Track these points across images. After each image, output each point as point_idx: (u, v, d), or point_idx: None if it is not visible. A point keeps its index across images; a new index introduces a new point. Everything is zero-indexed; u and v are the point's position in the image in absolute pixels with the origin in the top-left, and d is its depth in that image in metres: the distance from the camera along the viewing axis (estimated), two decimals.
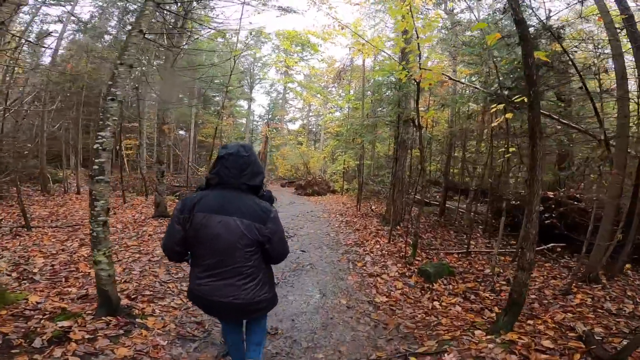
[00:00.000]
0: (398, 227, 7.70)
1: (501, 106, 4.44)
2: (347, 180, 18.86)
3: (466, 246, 6.70)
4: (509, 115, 4.29)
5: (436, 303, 4.03)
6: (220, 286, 1.67)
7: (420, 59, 4.75)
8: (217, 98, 25.99)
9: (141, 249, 5.21)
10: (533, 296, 4.13)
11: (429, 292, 4.36)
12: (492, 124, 4.71)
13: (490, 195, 7.85)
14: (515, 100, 4.28)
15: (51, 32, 10.79)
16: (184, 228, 1.66)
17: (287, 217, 9.06)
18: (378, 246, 6.09)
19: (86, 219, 7.32)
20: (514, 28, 3.32)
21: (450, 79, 6.81)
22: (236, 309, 1.73)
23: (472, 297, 4.29)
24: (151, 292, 3.69)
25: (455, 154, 9.87)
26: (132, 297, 3.48)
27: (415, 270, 4.92)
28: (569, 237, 5.76)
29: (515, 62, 6.26)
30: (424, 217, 9.32)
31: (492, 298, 4.24)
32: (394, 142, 11.72)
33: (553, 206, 6.83)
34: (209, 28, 9.58)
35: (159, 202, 6.97)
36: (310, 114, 33.08)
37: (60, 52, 12.32)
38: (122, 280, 3.92)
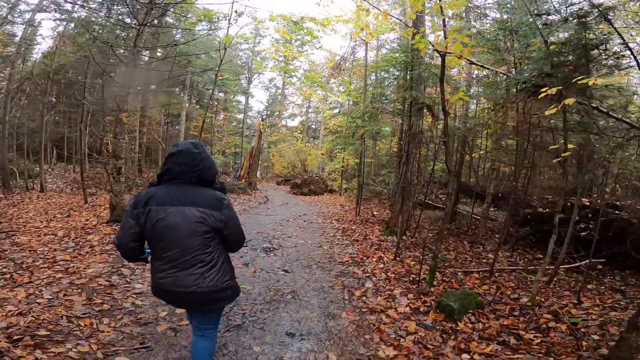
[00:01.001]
0: (404, 236, 6.48)
1: (553, 90, 3.21)
2: (346, 179, 17.64)
3: (489, 262, 5.53)
4: (569, 101, 3.06)
5: (466, 356, 2.82)
6: (183, 276, 1.70)
7: (445, 25, 3.53)
8: (219, 94, 24.80)
9: (70, 266, 3.98)
10: (596, 336, 3.01)
11: (453, 337, 3.14)
12: (546, 113, 3.45)
13: (512, 200, 6.65)
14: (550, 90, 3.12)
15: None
16: (138, 223, 1.69)
17: (275, 222, 7.83)
18: (381, 265, 4.85)
19: (31, 222, 6.08)
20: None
21: (472, 63, 5.57)
22: (201, 297, 1.74)
23: (513, 340, 3.08)
24: (47, 332, 2.55)
25: (467, 152, 8.63)
26: (15, 338, 2.39)
27: (433, 302, 3.69)
28: (609, 252, 4.66)
29: (554, 46, 5.04)
30: (430, 224, 8.10)
31: (539, 341, 3.05)
32: (399, 137, 10.51)
33: (590, 215, 5.68)
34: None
35: (114, 205, 5.74)
36: (310, 110, 31.94)
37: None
38: (15, 312, 2.75)
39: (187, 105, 20.29)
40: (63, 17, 12.17)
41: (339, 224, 7.76)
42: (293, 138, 23.52)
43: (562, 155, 3.34)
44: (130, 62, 5.85)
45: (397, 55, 5.10)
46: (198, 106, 23.68)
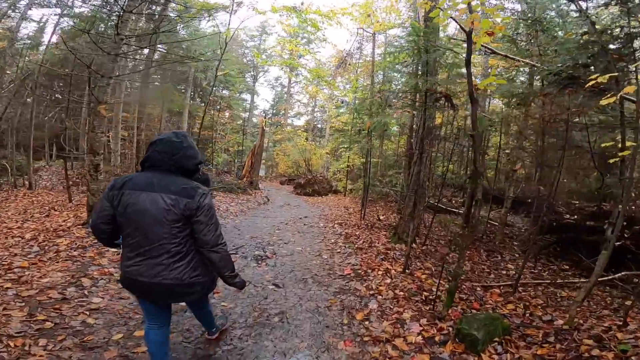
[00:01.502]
0: (414, 244, 5.83)
1: (605, 77, 2.55)
2: (351, 180, 17.00)
3: (509, 274, 4.91)
4: (629, 89, 2.40)
5: None
6: (149, 265, 1.65)
7: None
8: (224, 91, 24.38)
9: (25, 274, 3.42)
10: None
11: None
12: (602, 102, 2.77)
13: (536, 205, 5.95)
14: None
15: None
16: (112, 205, 1.68)
17: (272, 226, 7.22)
18: (388, 279, 4.20)
19: (6, 223, 5.57)
20: None
21: (494, 52, 4.89)
22: (166, 290, 1.69)
23: None
24: None
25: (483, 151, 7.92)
26: None
27: (451, 329, 3.05)
28: None
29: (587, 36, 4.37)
30: (445, 232, 7.42)
31: None
32: (408, 134, 9.83)
33: (625, 223, 4.98)
34: None
35: (92, 205, 5.18)
36: (316, 109, 31.37)
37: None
38: None
39: (190, 102, 19.84)
40: (64, 12, 11.86)
41: (342, 228, 7.13)
42: (297, 137, 22.88)
43: (620, 154, 2.66)
44: (112, 50, 5.30)
45: (410, 38, 4.42)
46: (202, 104, 23.26)
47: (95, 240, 4.73)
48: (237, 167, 19.67)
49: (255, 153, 15.64)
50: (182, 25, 16.21)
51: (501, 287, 4.48)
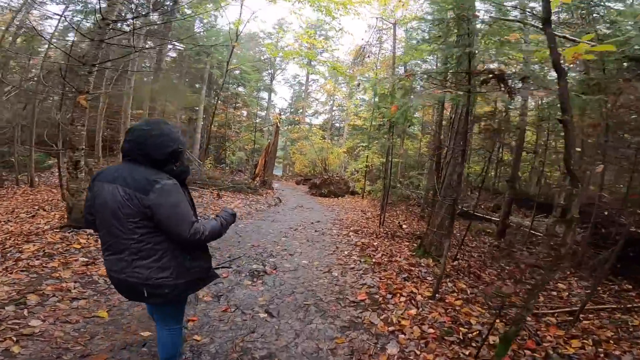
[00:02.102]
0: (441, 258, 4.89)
1: None
2: (369, 180, 16.06)
3: (563, 297, 3.96)
4: None
5: None
6: (114, 260, 1.60)
7: None
8: (239, 88, 24.02)
9: None
10: None
11: None
12: None
13: (595, 215, 4.88)
14: None
15: None
16: (91, 195, 1.66)
17: (280, 232, 6.43)
18: (413, 309, 3.31)
19: None
20: None
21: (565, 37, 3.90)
22: (132, 288, 1.61)
23: None
24: None
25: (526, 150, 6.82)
26: None
27: None
28: None
29: None
30: (473, 239, 6.43)
31: None
32: (435, 128, 8.80)
33: None
34: None
35: (71, 207, 4.56)
36: (334, 108, 30.54)
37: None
38: None
39: (205, 98, 19.45)
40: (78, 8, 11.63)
41: (358, 237, 6.24)
42: (314, 135, 22.08)
43: None
44: (96, 36, 4.68)
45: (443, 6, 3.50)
46: (220, 101, 22.88)
47: (67, 248, 4.10)
48: (252, 166, 19.08)
49: (268, 152, 14.96)
50: (195, 16, 15.77)
51: (556, 315, 3.54)
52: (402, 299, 3.56)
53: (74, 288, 3.17)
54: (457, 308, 3.42)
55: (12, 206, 6.45)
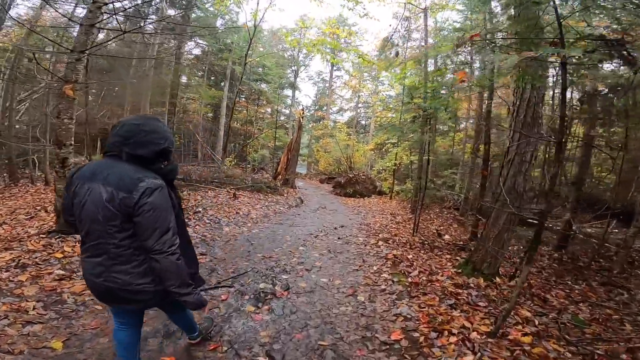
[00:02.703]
0: (498, 278, 3.90)
1: None
2: (398, 180, 15.01)
3: None
4: None
5: None
6: (93, 264, 1.49)
7: None
8: (262, 85, 23.63)
9: None
10: None
11: None
12: None
13: None
14: None
15: None
16: (69, 194, 1.54)
17: (297, 239, 5.65)
18: (469, 355, 2.40)
19: None
20: None
21: None
22: (110, 292, 1.50)
23: None
24: None
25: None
26: None
27: None
28: None
29: None
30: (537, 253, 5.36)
31: None
32: (483, 115, 7.63)
33: None
34: None
35: (59, 210, 4.01)
36: (360, 105, 29.49)
37: None
38: None
39: (227, 95, 19.08)
40: None
41: (389, 247, 5.33)
42: (338, 131, 21.19)
43: None
44: (85, 20, 4.09)
45: None
46: (242, 99, 22.53)
47: (47, 257, 3.52)
48: (275, 164, 18.51)
49: (291, 149, 14.27)
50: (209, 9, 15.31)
51: None
52: (452, 338, 2.65)
53: (34, 309, 2.56)
54: (527, 348, 2.50)
55: (16, 206, 6.09)
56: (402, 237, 6.09)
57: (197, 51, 21.21)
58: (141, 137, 1.46)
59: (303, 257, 4.62)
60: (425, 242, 5.67)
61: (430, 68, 14.44)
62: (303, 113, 14.59)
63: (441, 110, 5.55)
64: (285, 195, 10.50)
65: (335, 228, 6.71)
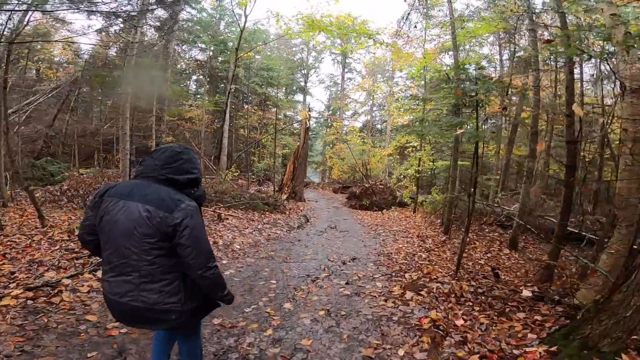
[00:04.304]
0: (624, 355, 2.05)
1: None
2: (420, 187, 13.13)
3: None
4: None
5: None
6: (119, 282, 1.47)
7: None
8: (268, 89, 22.34)
9: None
10: None
11: None
12: None
13: None
14: None
15: None
16: (94, 214, 1.53)
17: (287, 285, 3.92)
18: None
19: None
20: None
21: None
22: (135, 312, 1.48)
23: None
24: None
25: None
26: None
27: None
28: None
29: None
30: None
31: None
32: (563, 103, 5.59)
33: None
34: None
35: None
36: (375, 108, 27.72)
37: None
38: None
39: (230, 100, 17.73)
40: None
41: (422, 302, 3.48)
42: (351, 135, 19.44)
43: None
44: None
45: None
46: (248, 105, 21.19)
47: None
48: (281, 173, 16.91)
49: (297, 156, 12.63)
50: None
51: None
52: None
53: None
54: None
55: None
56: (439, 277, 4.24)
57: (197, 53, 20.07)
58: (181, 165, 1.53)
59: (285, 327, 2.87)
60: (477, 290, 3.80)
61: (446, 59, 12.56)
62: (309, 115, 12.94)
63: (495, 93, 3.77)
64: (287, 212, 8.81)
65: (344, 263, 4.92)
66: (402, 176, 14.49)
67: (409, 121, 16.95)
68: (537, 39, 6.39)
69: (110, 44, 11.18)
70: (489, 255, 5.73)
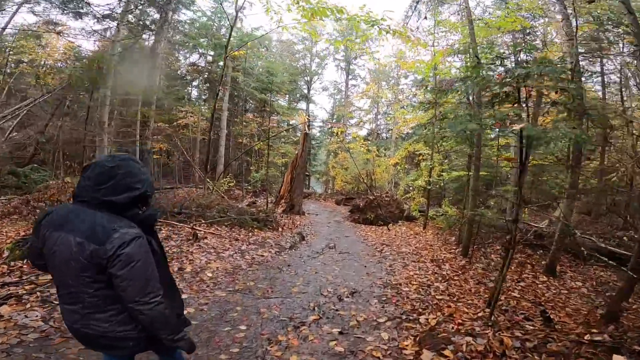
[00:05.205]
0: None
1: None
2: (425, 199, 12.06)
3: None
4: None
5: None
6: (70, 311, 1.37)
7: None
8: (267, 95, 21.66)
9: None
10: None
11: None
12: None
13: None
14: None
15: None
16: (37, 238, 1.40)
17: (258, 337, 2.86)
18: None
19: None
20: None
21: None
22: (89, 338, 1.39)
23: None
24: None
25: None
26: None
27: None
28: None
29: None
30: None
31: None
32: None
33: None
34: None
35: None
36: (379, 117, 26.86)
37: None
38: None
39: (228, 105, 16.93)
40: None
41: None
42: (354, 142, 18.49)
43: None
44: None
45: None
46: (246, 113, 20.41)
47: None
48: (280, 184, 15.94)
49: (295, 165, 11.65)
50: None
51: None
52: None
53: None
54: None
55: None
56: (467, 323, 3.16)
57: (197, 59, 19.41)
58: (116, 182, 1.30)
59: None
60: (527, 342, 2.71)
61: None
62: (308, 121, 12.01)
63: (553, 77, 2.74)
64: (280, 229, 7.77)
65: (340, 298, 3.85)
66: (410, 186, 13.40)
67: (415, 128, 15.92)
68: (570, 28, 5.43)
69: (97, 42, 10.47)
70: (522, 284, 4.62)
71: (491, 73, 3.89)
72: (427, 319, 3.35)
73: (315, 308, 3.53)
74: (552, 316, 3.40)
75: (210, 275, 4.31)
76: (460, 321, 3.31)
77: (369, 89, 24.61)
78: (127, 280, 1.24)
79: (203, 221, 6.62)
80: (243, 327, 3.03)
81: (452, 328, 3.17)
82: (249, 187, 15.42)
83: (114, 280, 1.25)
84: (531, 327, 3.26)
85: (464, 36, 8.58)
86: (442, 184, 12.59)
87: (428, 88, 9.68)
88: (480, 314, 3.52)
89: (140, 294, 1.26)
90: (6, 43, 12.03)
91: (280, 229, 7.71)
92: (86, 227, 1.25)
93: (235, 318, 3.22)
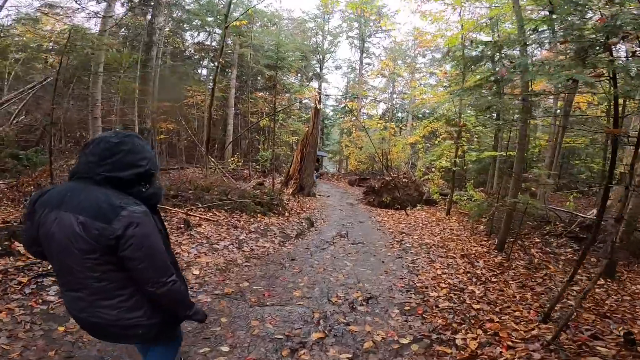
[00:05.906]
0: None
1: None
2: (447, 181, 11.08)
3: None
4: None
5: None
6: (74, 298, 1.26)
7: None
8: (292, 80, 20.67)
9: None
10: None
11: None
12: None
13: None
14: None
15: None
16: (32, 224, 1.28)
17: (249, 352, 2.14)
18: None
19: None
20: None
21: None
22: (98, 328, 1.29)
23: None
24: None
25: None
26: None
27: None
28: None
29: None
30: None
31: None
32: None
33: None
34: None
35: None
36: (395, 96, 25.45)
37: None
38: None
39: (235, 84, 16.02)
40: None
41: None
42: (371, 120, 17.45)
43: None
44: None
45: None
46: (255, 91, 19.48)
47: None
48: (289, 163, 15.19)
49: (306, 143, 10.82)
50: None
51: None
52: None
53: None
54: None
55: None
56: (518, 347, 2.38)
57: (205, 38, 18.48)
58: (121, 158, 1.21)
59: None
60: None
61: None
62: (319, 97, 11.06)
63: None
64: (287, 213, 7.04)
65: (353, 307, 3.10)
66: (431, 166, 12.41)
67: (439, 103, 14.68)
68: None
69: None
70: (576, 287, 3.76)
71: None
72: (464, 340, 2.58)
73: (321, 321, 2.79)
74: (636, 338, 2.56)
75: (196, 273, 3.62)
76: (509, 343, 2.54)
77: (384, 66, 23.16)
78: (144, 262, 1.16)
79: (200, 205, 5.95)
80: (225, 349, 2.34)
81: (501, 354, 2.40)
82: (258, 167, 14.73)
83: (128, 263, 1.16)
84: (605, 351, 2.45)
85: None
86: (464, 166, 11.59)
87: (456, 54, 8.51)
88: (534, 332, 2.73)
89: (157, 274, 1.19)
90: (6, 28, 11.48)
91: (286, 214, 6.99)
92: (90, 205, 1.15)
93: (218, 334, 2.53)
